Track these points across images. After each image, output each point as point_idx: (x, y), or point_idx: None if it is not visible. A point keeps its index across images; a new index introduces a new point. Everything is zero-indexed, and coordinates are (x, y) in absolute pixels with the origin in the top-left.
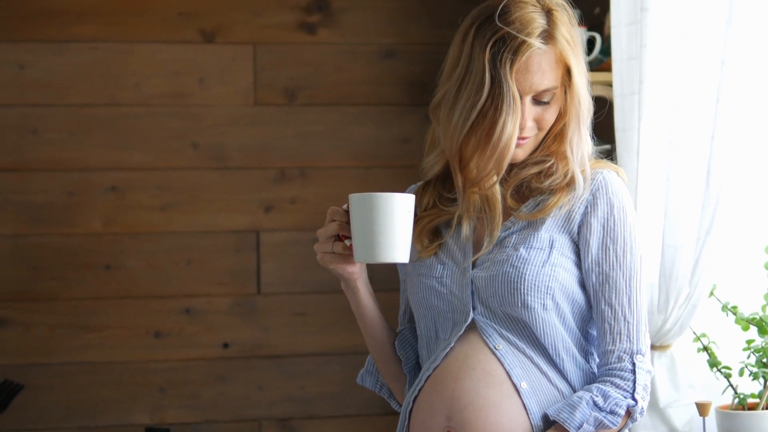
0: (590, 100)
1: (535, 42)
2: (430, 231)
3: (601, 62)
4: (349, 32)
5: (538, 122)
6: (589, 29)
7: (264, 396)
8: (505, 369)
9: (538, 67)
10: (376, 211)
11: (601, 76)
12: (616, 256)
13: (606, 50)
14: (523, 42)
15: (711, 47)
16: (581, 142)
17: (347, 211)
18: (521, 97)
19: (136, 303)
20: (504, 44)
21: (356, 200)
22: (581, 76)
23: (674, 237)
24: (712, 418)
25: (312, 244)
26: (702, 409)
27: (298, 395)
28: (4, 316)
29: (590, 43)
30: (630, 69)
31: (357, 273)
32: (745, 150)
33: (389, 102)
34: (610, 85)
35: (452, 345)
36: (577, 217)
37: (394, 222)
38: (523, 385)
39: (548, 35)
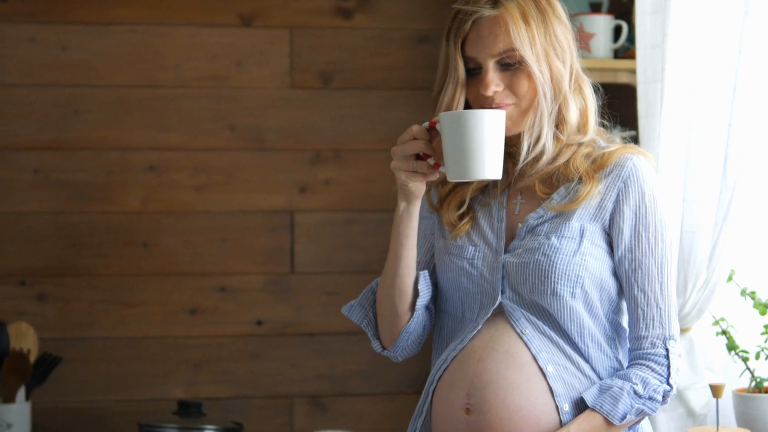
0: (572, 69)
1: (480, 9)
2: (457, 204)
3: (627, 50)
4: (384, 17)
5: (511, 88)
6: (618, 17)
7: (296, 373)
8: (531, 353)
9: (489, 31)
10: (468, 128)
11: (627, 63)
12: (648, 243)
13: (633, 38)
14: (470, 12)
15: (728, 36)
16: (568, 111)
17: (428, 131)
18: (484, 67)
19: (172, 280)
20: (456, 22)
21: (449, 118)
22: (537, 40)
23: (692, 222)
24: (726, 399)
25: (346, 224)
26: (715, 390)
27: (330, 373)
28: (44, 291)
29: (617, 31)
30: (653, 57)
31: (423, 191)
32: (761, 137)
33: (423, 86)
34: (635, 72)
35: (479, 327)
36: (609, 206)
37: (484, 139)
38: (549, 369)
39: (496, 1)
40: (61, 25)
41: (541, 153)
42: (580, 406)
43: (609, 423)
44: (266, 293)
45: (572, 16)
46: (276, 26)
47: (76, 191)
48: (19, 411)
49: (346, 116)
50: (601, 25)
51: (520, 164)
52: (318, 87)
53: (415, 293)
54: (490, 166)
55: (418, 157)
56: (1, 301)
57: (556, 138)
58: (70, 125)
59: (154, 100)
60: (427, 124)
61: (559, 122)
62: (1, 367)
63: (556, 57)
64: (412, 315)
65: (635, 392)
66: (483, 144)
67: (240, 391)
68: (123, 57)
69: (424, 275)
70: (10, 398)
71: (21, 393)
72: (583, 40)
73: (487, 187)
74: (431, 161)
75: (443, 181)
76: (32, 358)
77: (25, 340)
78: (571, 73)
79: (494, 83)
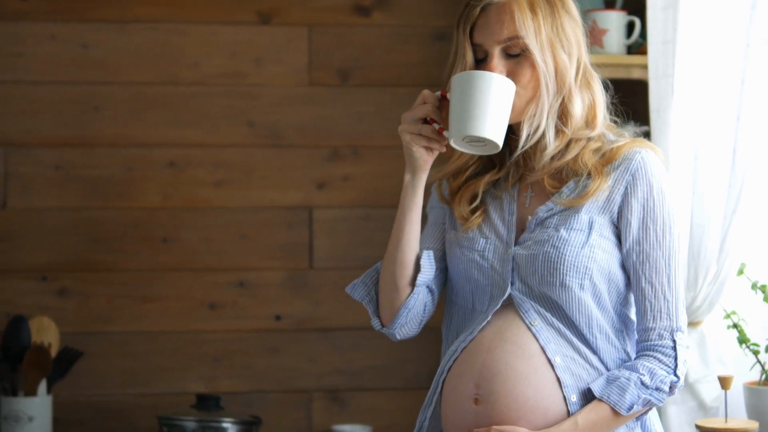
0: (579, 63)
1: None
2: (469, 197)
3: (640, 45)
4: (402, 15)
5: (514, 77)
6: (631, 13)
7: (314, 368)
8: (540, 344)
9: (497, 18)
10: (475, 87)
11: (640, 59)
12: (656, 236)
13: (646, 34)
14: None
15: (736, 30)
16: (572, 105)
17: (439, 99)
18: (490, 53)
19: (191, 275)
20: (467, 9)
21: (459, 77)
22: (543, 30)
23: (702, 215)
24: (737, 392)
25: (364, 220)
26: (724, 382)
27: (348, 368)
28: (65, 286)
29: (630, 27)
30: (665, 52)
31: (430, 163)
32: None
33: (440, 84)
34: (647, 68)
35: (489, 319)
36: (618, 198)
37: (489, 98)
38: (557, 360)
39: None
40: (81, 23)
41: (544, 145)
42: (588, 397)
43: (616, 413)
44: (285, 288)
45: (586, 12)
46: (294, 24)
47: (96, 187)
48: (41, 404)
49: (363, 113)
50: (614, 21)
51: (519, 151)
52: (336, 84)
53: (417, 269)
54: (491, 127)
55: (426, 122)
56: (23, 296)
57: (560, 131)
58: (90, 122)
59: (174, 97)
60: (439, 93)
61: (563, 115)
62: (23, 360)
63: (561, 49)
64: (412, 290)
65: (642, 383)
66: (487, 104)
67: (259, 385)
68: (143, 54)
69: (428, 253)
70: (31, 392)
71: (42, 387)
72: (596, 36)
73: (498, 180)
74: (437, 126)
75: (454, 174)
76: (53, 352)
77: (47, 334)
78: (578, 67)
79: (498, 69)
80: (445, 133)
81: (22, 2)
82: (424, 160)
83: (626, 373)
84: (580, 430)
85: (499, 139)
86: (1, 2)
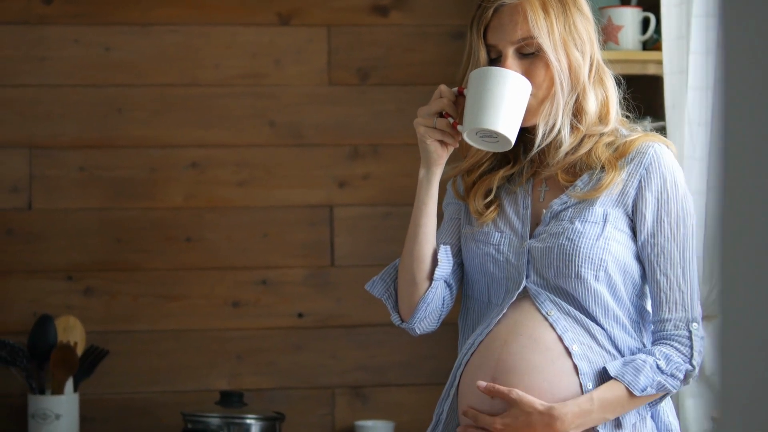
0: (592, 60)
1: None
2: (484, 192)
3: (656, 41)
4: (420, 14)
5: (529, 77)
6: (646, 9)
7: (337, 364)
8: (557, 333)
9: (509, 19)
10: (491, 82)
11: (655, 55)
12: (671, 228)
13: (661, 30)
14: (492, 1)
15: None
16: (587, 101)
17: (456, 95)
18: (504, 53)
19: (215, 274)
20: (480, 11)
21: (476, 72)
22: (556, 29)
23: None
24: None
25: (385, 218)
26: None
27: (370, 364)
28: (90, 286)
29: (645, 23)
30: (679, 47)
31: (444, 158)
32: None
33: (459, 82)
34: (662, 63)
35: (505, 311)
36: (632, 192)
37: (504, 93)
38: (575, 348)
39: None
40: (104, 26)
41: (559, 142)
42: (604, 380)
43: (631, 394)
44: (307, 286)
45: (601, 9)
46: (314, 24)
47: (120, 188)
48: (68, 402)
49: (383, 112)
50: (629, 17)
51: (535, 149)
52: (355, 83)
53: (435, 263)
54: (504, 122)
55: (442, 116)
56: (50, 296)
57: (575, 128)
58: (114, 124)
59: (195, 99)
60: (456, 89)
61: (578, 112)
62: (50, 359)
63: (574, 47)
64: (430, 284)
65: (658, 367)
66: (502, 99)
67: (282, 382)
68: (165, 56)
69: (446, 248)
70: (58, 390)
71: (69, 385)
72: (611, 32)
73: (512, 176)
74: (452, 120)
75: (469, 170)
76: (79, 350)
77: (73, 333)
78: (591, 64)
79: (512, 69)
80: (458, 127)
81: (46, 6)
82: (438, 154)
83: (642, 356)
84: (595, 406)
85: (512, 135)
86: (24, 7)
